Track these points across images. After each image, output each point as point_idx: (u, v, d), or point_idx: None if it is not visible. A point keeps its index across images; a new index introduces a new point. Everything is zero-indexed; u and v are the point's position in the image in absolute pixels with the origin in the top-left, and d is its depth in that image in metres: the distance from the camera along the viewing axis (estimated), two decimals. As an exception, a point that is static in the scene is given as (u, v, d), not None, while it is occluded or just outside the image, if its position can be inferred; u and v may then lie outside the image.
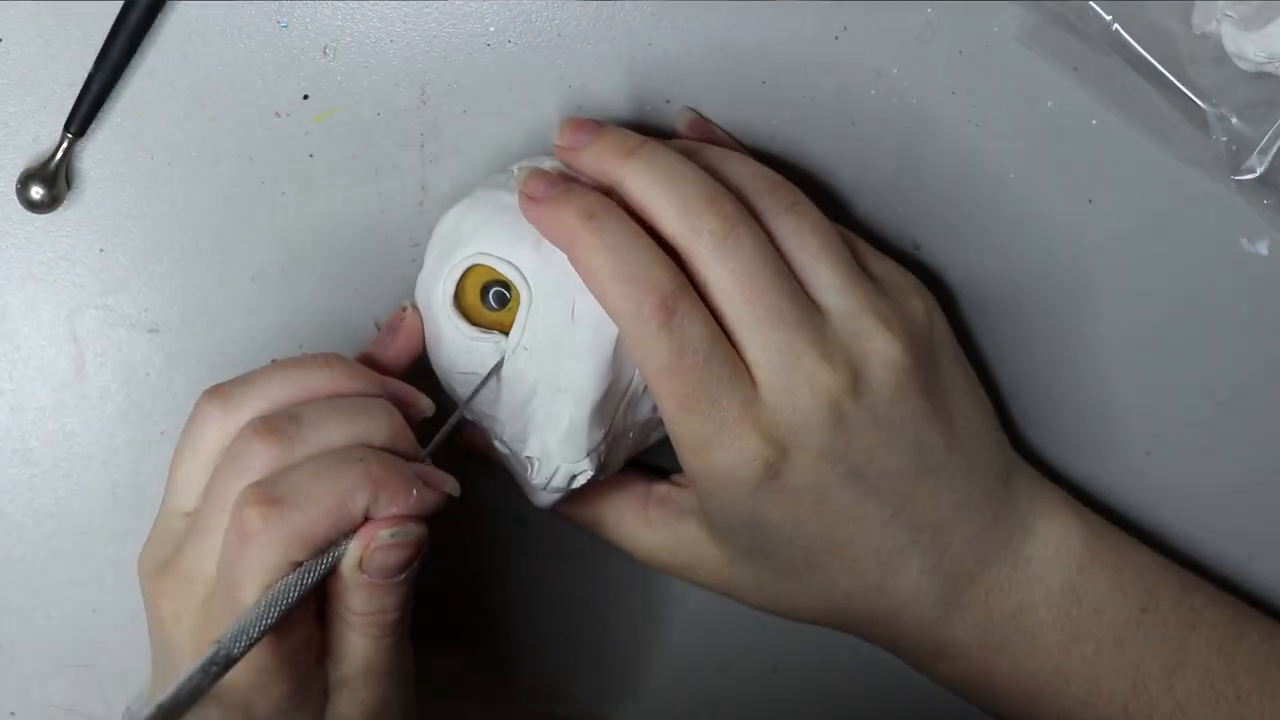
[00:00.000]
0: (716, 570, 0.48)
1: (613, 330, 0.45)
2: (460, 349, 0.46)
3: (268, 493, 0.41)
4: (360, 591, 0.43)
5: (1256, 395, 0.53)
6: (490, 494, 0.54)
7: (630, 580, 0.56)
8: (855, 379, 0.45)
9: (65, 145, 0.49)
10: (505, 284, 0.46)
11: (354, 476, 0.42)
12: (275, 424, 0.43)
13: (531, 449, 0.46)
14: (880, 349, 0.45)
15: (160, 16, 0.49)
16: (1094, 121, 0.50)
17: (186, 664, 0.41)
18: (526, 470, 0.47)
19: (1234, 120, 0.47)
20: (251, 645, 0.41)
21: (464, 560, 0.55)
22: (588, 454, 0.45)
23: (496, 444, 0.48)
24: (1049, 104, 0.50)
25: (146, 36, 0.49)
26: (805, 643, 0.57)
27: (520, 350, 0.46)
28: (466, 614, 0.57)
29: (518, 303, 0.46)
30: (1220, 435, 0.53)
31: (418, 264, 0.51)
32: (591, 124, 0.46)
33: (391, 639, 0.44)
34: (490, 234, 0.46)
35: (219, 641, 0.40)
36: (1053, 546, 0.49)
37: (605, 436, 0.46)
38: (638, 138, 0.46)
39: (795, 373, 0.44)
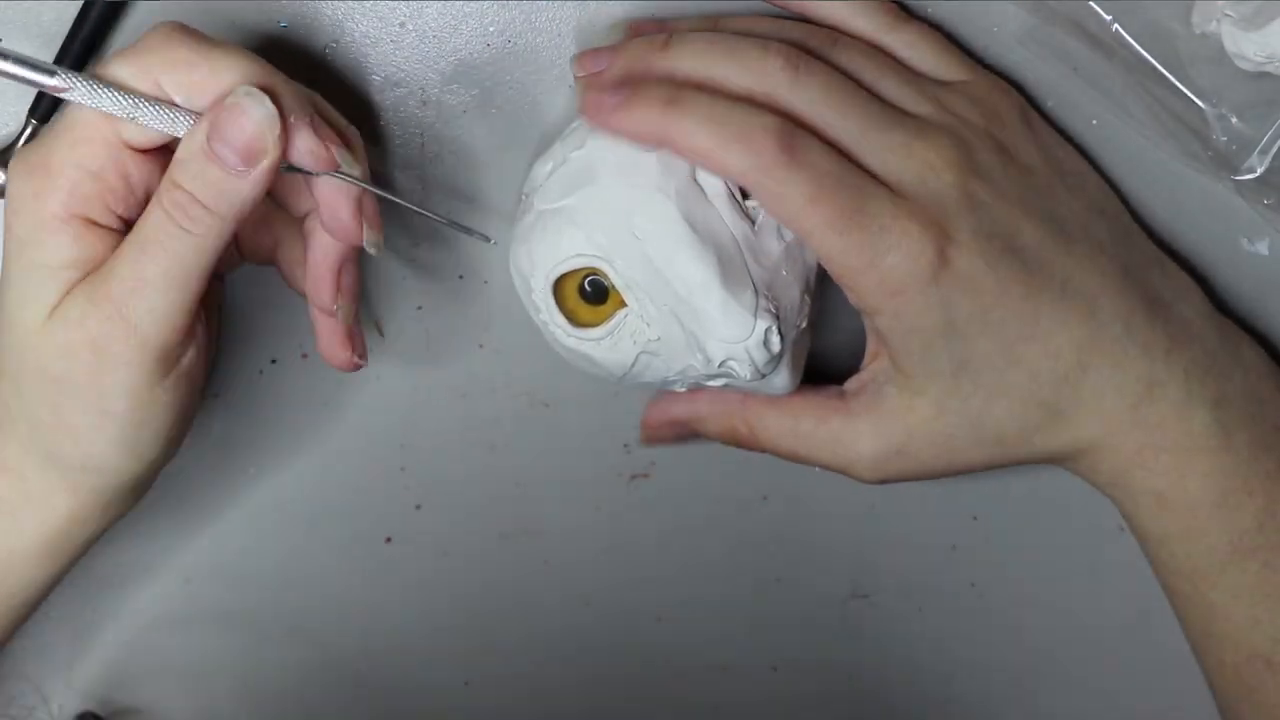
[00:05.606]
0: (929, 433, 0.47)
1: (674, 217, 0.44)
2: (616, 353, 0.47)
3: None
4: (195, 164, 0.41)
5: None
6: (496, 513, 0.55)
7: (630, 580, 0.56)
8: (968, 161, 0.45)
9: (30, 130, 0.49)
10: (589, 273, 0.46)
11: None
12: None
13: (716, 356, 0.45)
14: (970, 138, 0.46)
15: (160, 16, 0.49)
16: (1094, 121, 0.50)
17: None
18: (737, 377, 0.46)
19: (1234, 120, 0.47)
20: (87, 105, 0.41)
21: (453, 564, 0.56)
22: (755, 314, 0.45)
23: (709, 387, 0.48)
24: (1049, 104, 0.50)
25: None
26: (805, 643, 0.57)
27: (643, 303, 0.46)
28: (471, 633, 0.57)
29: (611, 278, 0.46)
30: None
31: (418, 264, 0.52)
32: (602, 49, 0.47)
33: (198, 244, 0.42)
34: (543, 253, 0.46)
35: (89, 76, 0.41)
36: (1233, 344, 0.48)
37: (756, 291, 0.45)
38: (660, 34, 0.46)
39: (914, 164, 0.45)
